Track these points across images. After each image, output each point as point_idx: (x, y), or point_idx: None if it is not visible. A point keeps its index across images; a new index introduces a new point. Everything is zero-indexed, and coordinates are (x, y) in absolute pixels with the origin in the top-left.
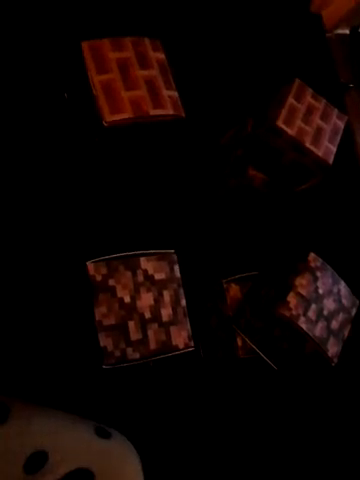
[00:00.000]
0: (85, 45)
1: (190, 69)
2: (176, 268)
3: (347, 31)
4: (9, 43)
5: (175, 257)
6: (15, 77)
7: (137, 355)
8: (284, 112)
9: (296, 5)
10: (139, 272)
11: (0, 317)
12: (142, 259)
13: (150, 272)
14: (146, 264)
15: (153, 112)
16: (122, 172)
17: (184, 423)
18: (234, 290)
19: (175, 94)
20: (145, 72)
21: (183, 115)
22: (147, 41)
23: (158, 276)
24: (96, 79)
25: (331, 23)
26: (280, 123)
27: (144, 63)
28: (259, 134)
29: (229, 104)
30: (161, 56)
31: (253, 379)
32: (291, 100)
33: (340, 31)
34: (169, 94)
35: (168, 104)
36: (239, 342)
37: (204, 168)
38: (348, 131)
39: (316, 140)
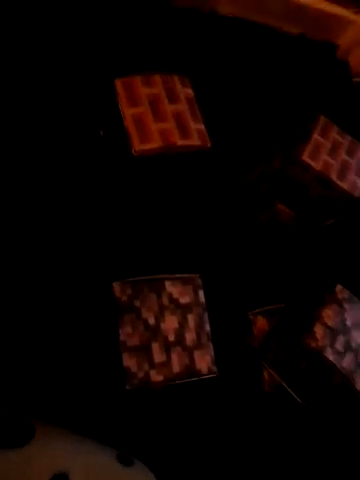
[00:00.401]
0: (118, 82)
1: (219, 107)
2: (201, 293)
3: None
4: (49, 81)
5: (200, 281)
6: (51, 109)
7: (160, 377)
8: (309, 147)
9: (323, 51)
10: (164, 295)
11: (25, 336)
12: (167, 282)
13: (175, 295)
14: (171, 287)
15: (180, 142)
16: (151, 199)
17: (206, 453)
18: (261, 322)
19: (202, 127)
20: (173, 106)
21: (209, 145)
22: (176, 78)
23: (183, 300)
24: (127, 112)
25: (358, 68)
26: (305, 157)
27: (173, 98)
28: (285, 169)
29: (257, 141)
30: (189, 92)
31: (280, 414)
32: (316, 136)
33: None
34: (196, 127)
35: (195, 135)
36: (266, 376)
37: (231, 200)
38: None
39: (342, 174)
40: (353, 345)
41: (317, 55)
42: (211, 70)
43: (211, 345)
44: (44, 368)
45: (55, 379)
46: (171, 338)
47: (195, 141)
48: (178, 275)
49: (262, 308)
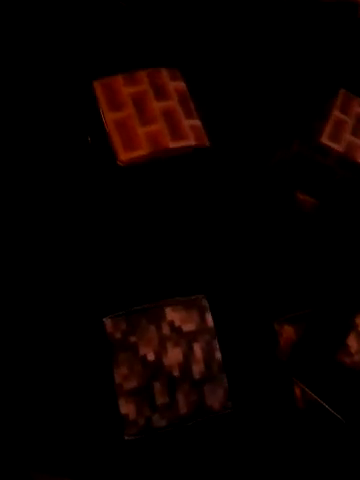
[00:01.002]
0: (97, 84)
1: (227, 93)
2: (208, 316)
3: None
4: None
5: (206, 303)
6: (31, 119)
7: (164, 422)
8: (329, 127)
9: (342, 13)
10: (164, 324)
11: (14, 393)
12: (167, 309)
13: (177, 323)
14: (172, 314)
15: (173, 145)
16: (141, 215)
17: None
18: (287, 332)
19: (197, 123)
20: (162, 103)
21: (207, 144)
22: (164, 71)
23: (186, 327)
24: (109, 117)
25: None
26: (325, 139)
27: (161, 94)
28: (305, 153)
29: (272, 124)
30: (181, 85)
31: (318, 434)
32: (336, 113)
33: None
34: (191, 124)
35: (190, 134)
36: (297, 392)
37: (240, 203)
38: None
39: None
40: None
41: (335, 18)
42: (216, 52)
43: (224, 376)
44: (41, 421)
45: (52, 431)
46: (175, 373)
47: (190, 141)
48: (180, 298)
49: (287, 315)
